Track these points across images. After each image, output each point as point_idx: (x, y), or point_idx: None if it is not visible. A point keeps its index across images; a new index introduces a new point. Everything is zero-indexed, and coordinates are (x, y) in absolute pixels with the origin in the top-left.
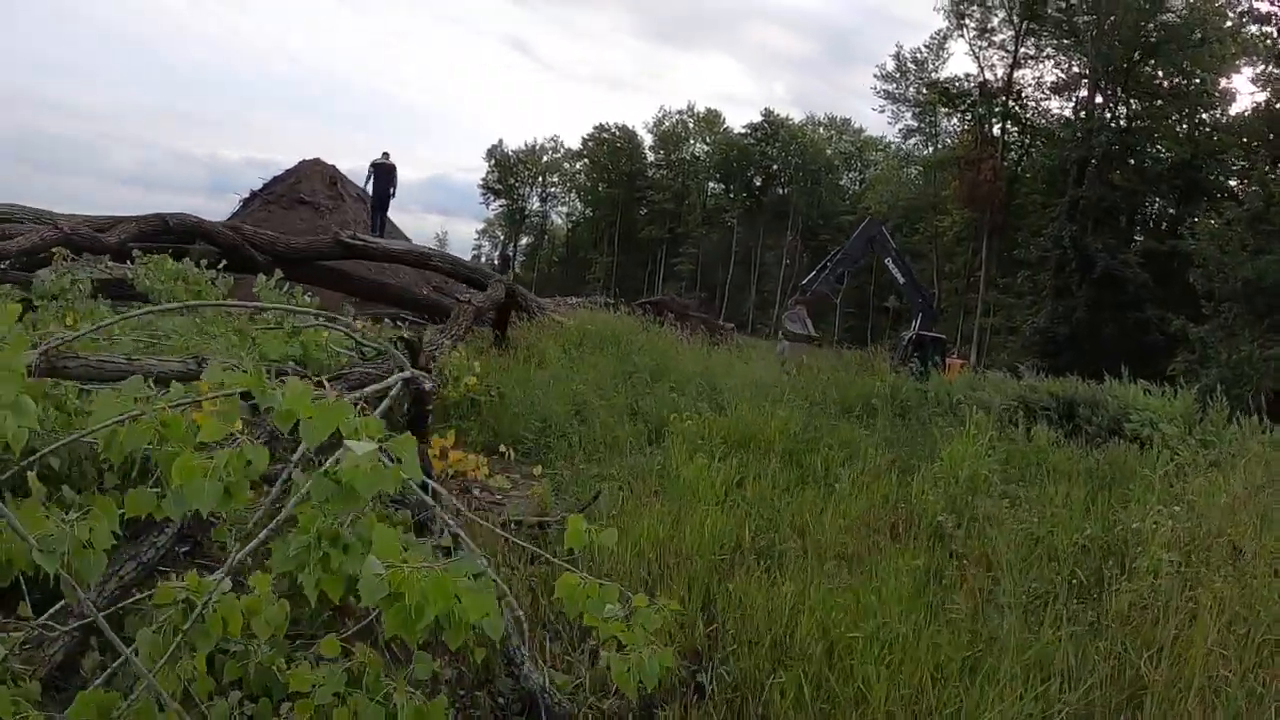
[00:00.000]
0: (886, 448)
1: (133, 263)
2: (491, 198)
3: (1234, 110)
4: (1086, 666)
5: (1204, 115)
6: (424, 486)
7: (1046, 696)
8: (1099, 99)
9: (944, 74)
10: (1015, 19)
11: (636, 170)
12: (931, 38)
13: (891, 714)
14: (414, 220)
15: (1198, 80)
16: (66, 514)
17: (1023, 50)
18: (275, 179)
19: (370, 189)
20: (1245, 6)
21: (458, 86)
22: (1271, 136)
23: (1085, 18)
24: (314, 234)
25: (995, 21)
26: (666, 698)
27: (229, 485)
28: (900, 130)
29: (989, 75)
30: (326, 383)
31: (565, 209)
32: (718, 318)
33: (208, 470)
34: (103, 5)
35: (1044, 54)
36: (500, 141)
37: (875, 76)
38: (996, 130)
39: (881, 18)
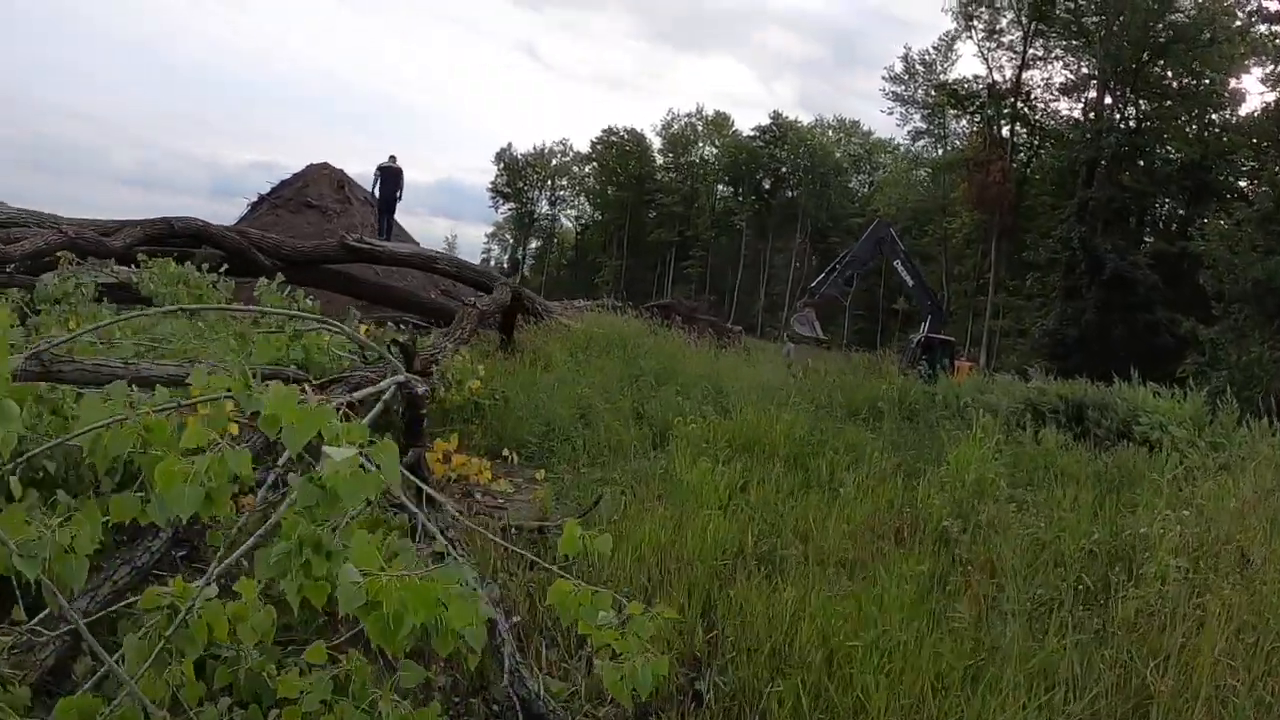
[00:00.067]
0: (892, 451)
1: (137, 267)
2: (500, 201)
3: (1243, 110)
4: (1091, 675)
5: (1213, 115)
6: (418, 491)
7: (1050, 706)
8: (1108, 100)
9: (952, 75)
10: (1024, 20)
11: (645, 173)
12: (940, 39)
13: None
14: (423, 224)
15: (1207, 80)
16: (62, 519)
17: (1031, 51)
18: (283, 183)
19: (377, 193)
20: (1254, 6)
21: (466, 90)
22: None
23: (1094, 18)
24: (321, 238)
25: (1004, 22)
26: (664, 705)
27: (210, 491)
28: (909, 132)
29: (997, 76)
30: (311, 387)
31: (574, 212)
32: (727, 321)
33: (188, 475)
34: (103, 7)
35: (1053, 55)
36: (509, 145)
37: (883, 78)
38: (1005, 132)
39: (889, 20)
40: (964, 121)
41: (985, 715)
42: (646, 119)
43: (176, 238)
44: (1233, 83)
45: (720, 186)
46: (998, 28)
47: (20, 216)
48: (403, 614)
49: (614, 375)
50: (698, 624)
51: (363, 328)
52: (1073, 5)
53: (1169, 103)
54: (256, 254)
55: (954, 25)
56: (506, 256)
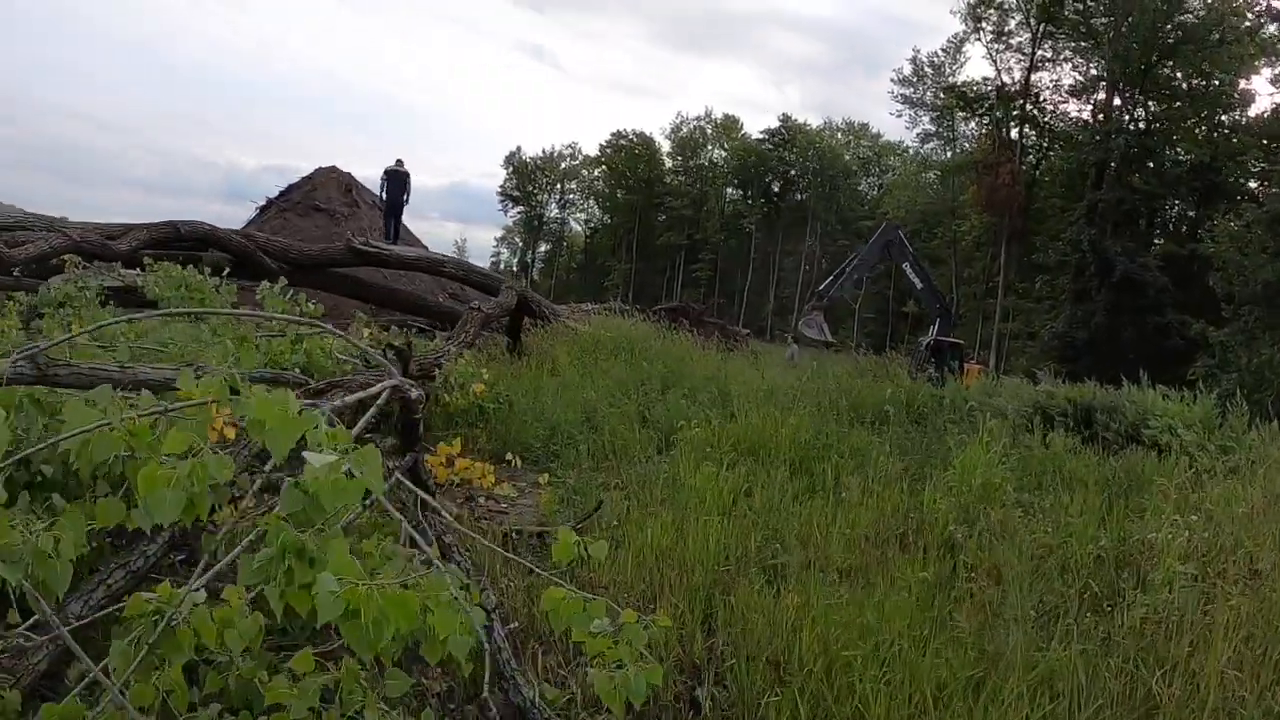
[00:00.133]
0: (898, 455)
1: (143, 270)
2: (510, 205)
3: (1253, 111)
4: (1097, 685)
5: (1223, 117)
6: (415, 497)
7: (1054, 716)
8: (1117, 101)
9: (961, 78)
10: (1032, 22)
11: (654, 177)
12: (948, 41)
13: None
14: (433, 227)
15: (1216, 81)
16: (46, 523)
17: (1040, 53)
18: (291, 186)
19: (384, 196)
20: (1264, 6)
21: (476, 94)
22: None
23: (1103, 19)
24: (329, 241)
25: (1012, 24)
26: (661, 713)
27: (192, 496)
28: (918, 135)
29: (1006, 78)
30: (303, 391)
31: (583, 216)
32: (736, 324)
33: (170, 480)
34: (120, 14)
35: (1061, 56)
36: (518, 148)
37: (892, 81)
38: (1014, 134)
39: (897, 22)
40: (973, 124)
41: None
42: (655, 122)
43: (183, 241)
44: (1242, 83)
45: (729, 189)
46: (1006, 29)
47: (27, 220)
48: (382, 623)
49: (620, 379)
50: (697, 631)
51: (366, 331)
52: (1081, 7)
53: (1178, 104)
54: (263, 257)
55: (962, 27)
56: (516, 260)
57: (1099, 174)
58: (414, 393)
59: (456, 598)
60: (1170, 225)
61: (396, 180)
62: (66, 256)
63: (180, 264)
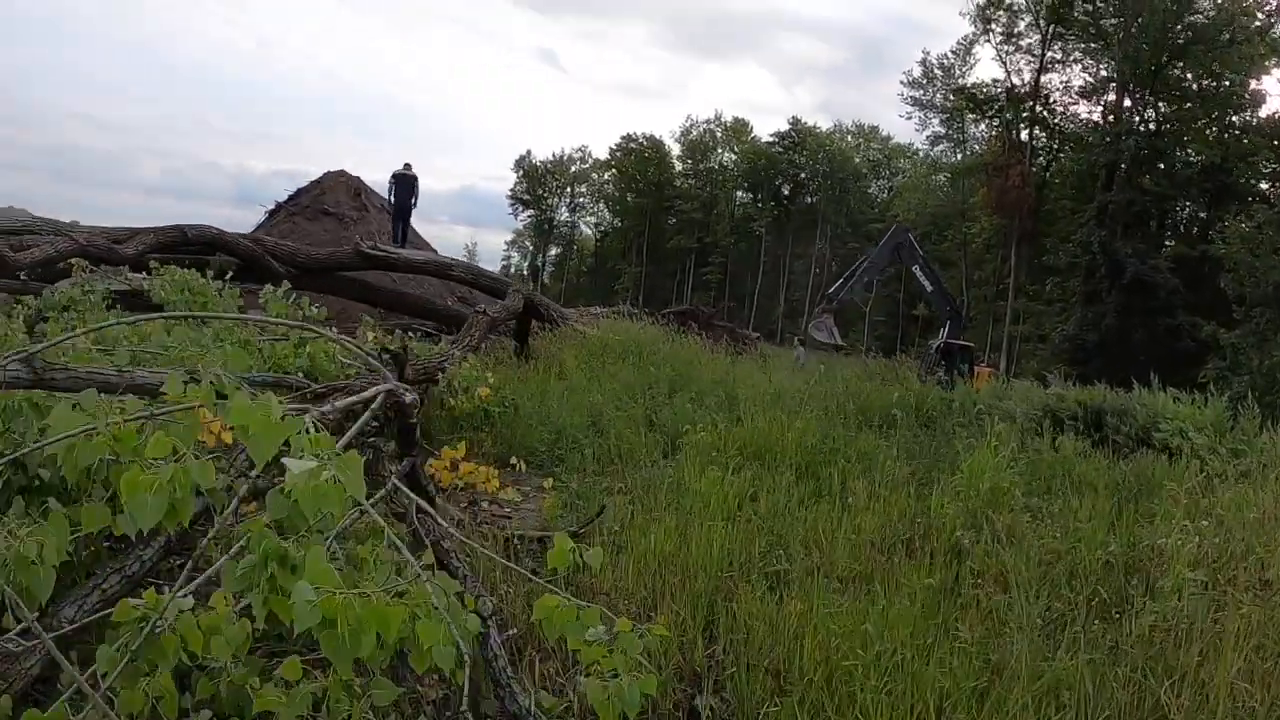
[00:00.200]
0: (906, 459)
1: (149, 274)
2: (520, 208)
3: (1264, 112)
4: (1104, 695)
5: (1234, 117)
6: (413, 503)
7: None
8: (1127, 102)
9: (971, 80)
10: (1042, 23)
11: (664, 180)
12: (958, 43)
13: None
14: (444, 231)
15: (1227, 82)
16: (29, 528)
17: (1050, 54)
18: (300, 190)
19: (392, 200)
20: (1274, 5)
21: (485, 98)
22: None
23: (1112, 20)
24: (338, 245)
25: (1022, 26)
26: None
27: (175, 501)
28: (928, 137)
29: (1016, 80)
30: (290, 395)
31: (593, 219)
32: (746, 327)
33: (151, 485)
34: (128, 17)
35: (1071, 58)
36: (528, 152)
37: (902, 83)
38: (1024, 136)
39: (907, 25)
40: (983, 126)
41: None
42: (665, 125)
43: (190, 245)
44: (1253, 84)
45: (739, 193)
46: (1016, 31)
47: (34, 224)
48: (359, 633)
49: (628, 382)
50: (699, 638)
51: (370, 335)
52: (1091, 8)
53: (1188, 105)
54: (271, 261)
55: (972, 29)
56: (527, 264)
57: (1109, 175)
58: (408, 397)
59: (438, 607)
60: (1181, 227)
61: (404, 184)
62: (73, 260)
63: (187, 268)
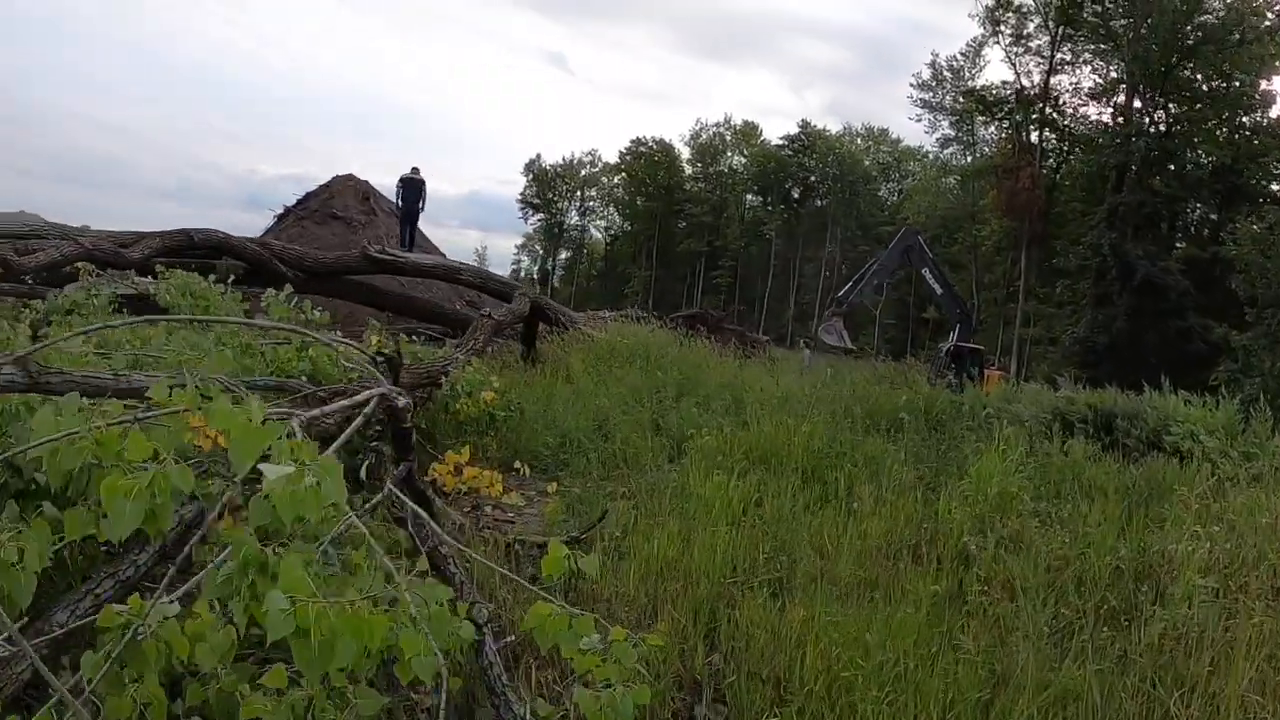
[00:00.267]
0: (913, 464)
1: (155, 278)
2: (530, 212)
3: (1275, 113)
4: (1112, 705)
5: (1244, 118)
6: (419, 514)
7: None
8: (1137, 104)
9: (980, 82)
10: (1051, 24)
11: (674, 183)
12: (967, 45)
13: None
14: (453, 235)
15: (1237, 82)
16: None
17: (1059, 56)
18: (308, 194)
19: (399, 203)
20: None
21: (495, 102)
22: None
23: (1122, 21)
24: (346, 249)
25: (1031, 27)
26: None
27: (154, 507)
28: (937, 139)
29: (1025, 82)
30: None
31: (603, 223)
32: (756, 330)
33: (131, 491)
34: (138, 23)
35: (1081, 59)
36: (538, 156)
37: (911, 86)
38: (1034, 137)
39: (917, 27)
40: (992, 128)
41: None
42: (675, 129)
43: (197, 249)
44: (1263, 84)
45: (749, 196)
46: (1025, 33)
47: (41, 229)
48: (331, 644)
49: (635, 386)
50: (699, 645)
51: (375, 338)
52: (1100, 9)
53: (1199, 105)
54: (278, 265)
55: (981, 31)
56: (537, 268)
57: (1119, 177)
58: (401, 401)
59: (415, 617)
60: (1192, 228)
61: (412, 188)
62: (79, 264)
63: (194, 271)
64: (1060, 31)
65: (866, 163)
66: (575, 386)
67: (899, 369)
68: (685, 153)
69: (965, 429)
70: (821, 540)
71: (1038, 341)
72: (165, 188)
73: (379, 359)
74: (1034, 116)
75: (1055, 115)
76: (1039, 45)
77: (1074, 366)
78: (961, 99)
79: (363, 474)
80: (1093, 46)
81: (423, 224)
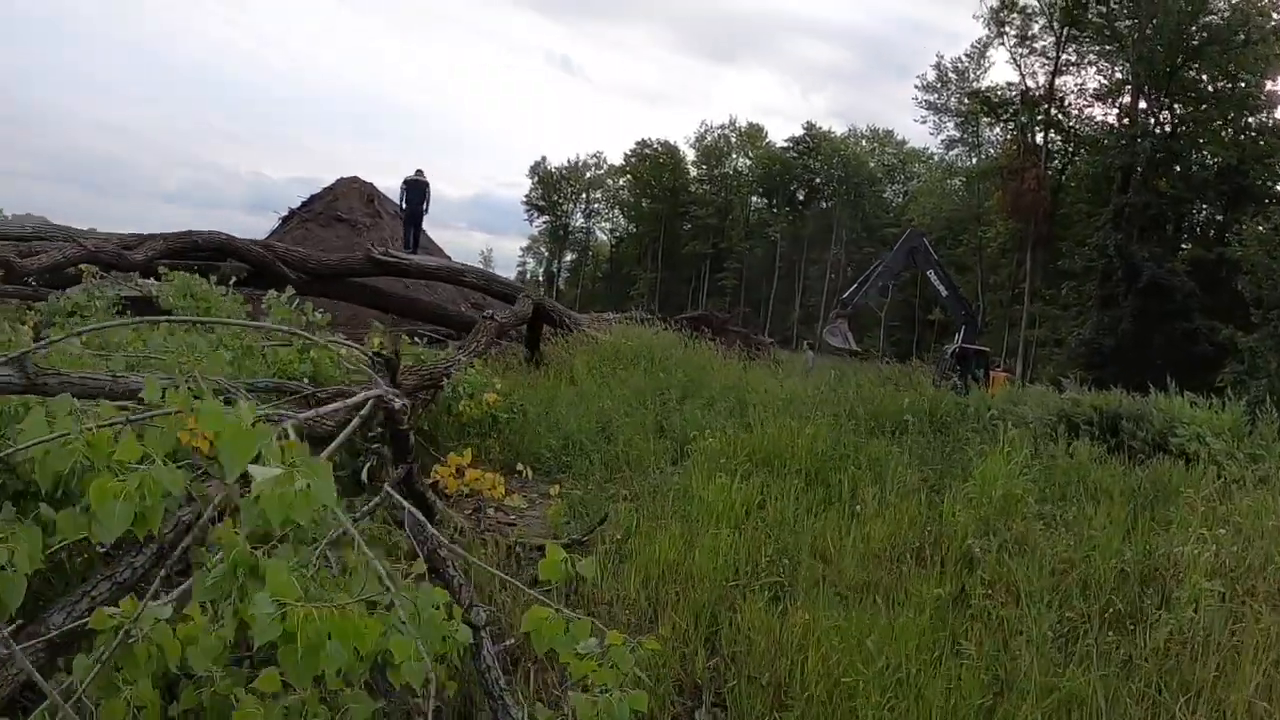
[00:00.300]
0: (917, 466)
1: (159, 280)
2: (535, 214)
3: None
4: (1117, 710)
5: (1250, 119)
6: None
7: None
8: (1142, 104)
9: (985, 83)
10: (1056, 25)
11: (679, 185)
12: (972, 47)
13: None
14: (459, 237)
15: (1243, 83)
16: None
17: (1064, 57)
18: (313, 197)
19: (403, 205)
20: None
21: (501, 104)
22: None
23: (1127, 22)
24: (351, 251)
25: (1036, 28)
26: None
27: (143, 509)
28: (943, 141)
29: (1030, 83)
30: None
31: (609, 225)
32: (761, 332)
33: (119, 493)
34: (138, 23)
35: (1086, 60)
36: (543, 158)
37: (916, 87)
38: (1039, 139)
39: (921, 28)
40: (997, 129)
41: None
42: (680, 131)
43: (201, 251)
44: (1269, 85)
45: (754, 198)
46: (1030, 34)
47: (46, 231)
48: (319, 648)
49: (639, 388)
50: (700, 649)
51: (377, 340)
52: (1105, 10)
53: (1204, 106)
54: (281, 267)
55: (986, 32)
56: (542, 270)
57: (1125, 178)
58: (397, 403)
59: (404, 622)
60: (1198, 229)
61: (416, 190)
62: (83, 267)
63: (197, 273)
64: (1065, 32)
65: (871, 165)
66: (579, 388)
67: (904, 371)
68: (690, 155)
69: (970, 431)
70: (824, 543)
71: (1043, 343)
72: (167, 189)
73: (375, 360)
74: (1039, 118)
75: (1060, 116)
76: (1044, 46)
77: (1079, 368)
78: (966, 100)
79: (364, 476)
80: (1098, 47)
81: (427, 226)
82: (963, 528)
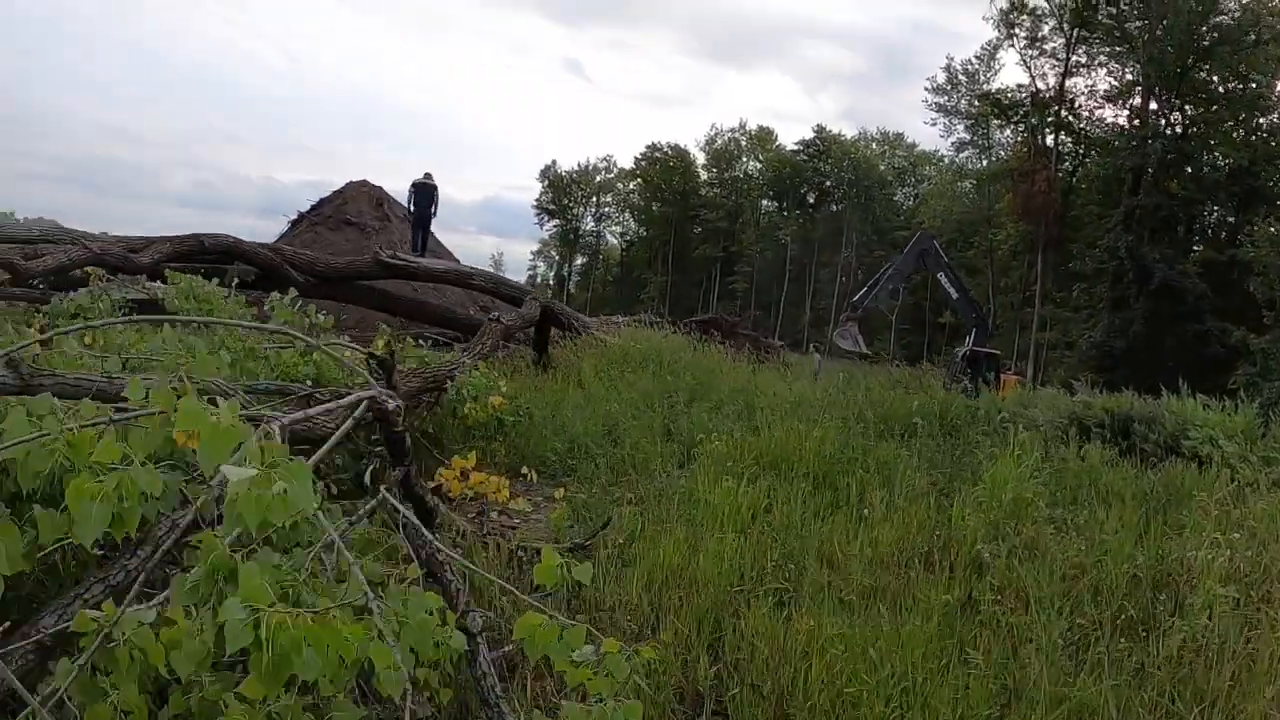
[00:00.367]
0: (926, 469)
1: (165, 283)
2: (545, 218)
3: None
4: None
5: (1261, 119)
6: (415, 518)
7: None
8: (1153, 106)
9: (995, 85)
10: (1066, 27)
11: (689, 189)
12: (982, 49)
13: None
14: (469, 241)
15: (1253, 84)
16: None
17: (1074, 58)
18: (322, 200)
19: (412, 209)
20: None
21: (510, 108)
22: None
23: (1137, 23)
24: (359, 254)
25: (1046, 30)
26: None
27: (121, 511)
28: (953, 143)
29: (1041, 85)
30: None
31: (619, 228)
32: (772, 336)
33: (97, 494)
34: (138, 23)
35: (1096, 61)
36: (553, 162)
37: (926, 89)
38: (1050, 141)
39: (930, 31)
40: (1008, 131)
41: None
42: (690, 134)
43: (208, 254)
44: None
45: (765, 201)
46: (1040, 35)
47: (52, 234)
48: (290, 655)
49: (646, 391)
50: (703, 656)
51: (381, 342)
52: (1115, 11)
53: (1215, 107)
54: (289, 270)
55: (996, 34)
56: (552, 273)
57: (1136, 180)
58: (391, 404)
59: (381, 631)
60: (1209, 231)
61: (424, 193)
62: (89, 269)
63: (204, 276)
64: (1075, 34)
65: (882, 167)
66: (586, 391)
67: (914, 374)
68: (700, 158)
69: (980, 434)
70: (831, 548)
71: (1054, 346)
72: (169, 190)
73: (371, 361)
74: (1049, 119)
75: (1071, 118)
76: (1054, 48)
77: (1091, 370)
78: (977, 102)
79: (367, 478)
80: (1108, 49)
81: (438, 229)
82: (972, 532)
